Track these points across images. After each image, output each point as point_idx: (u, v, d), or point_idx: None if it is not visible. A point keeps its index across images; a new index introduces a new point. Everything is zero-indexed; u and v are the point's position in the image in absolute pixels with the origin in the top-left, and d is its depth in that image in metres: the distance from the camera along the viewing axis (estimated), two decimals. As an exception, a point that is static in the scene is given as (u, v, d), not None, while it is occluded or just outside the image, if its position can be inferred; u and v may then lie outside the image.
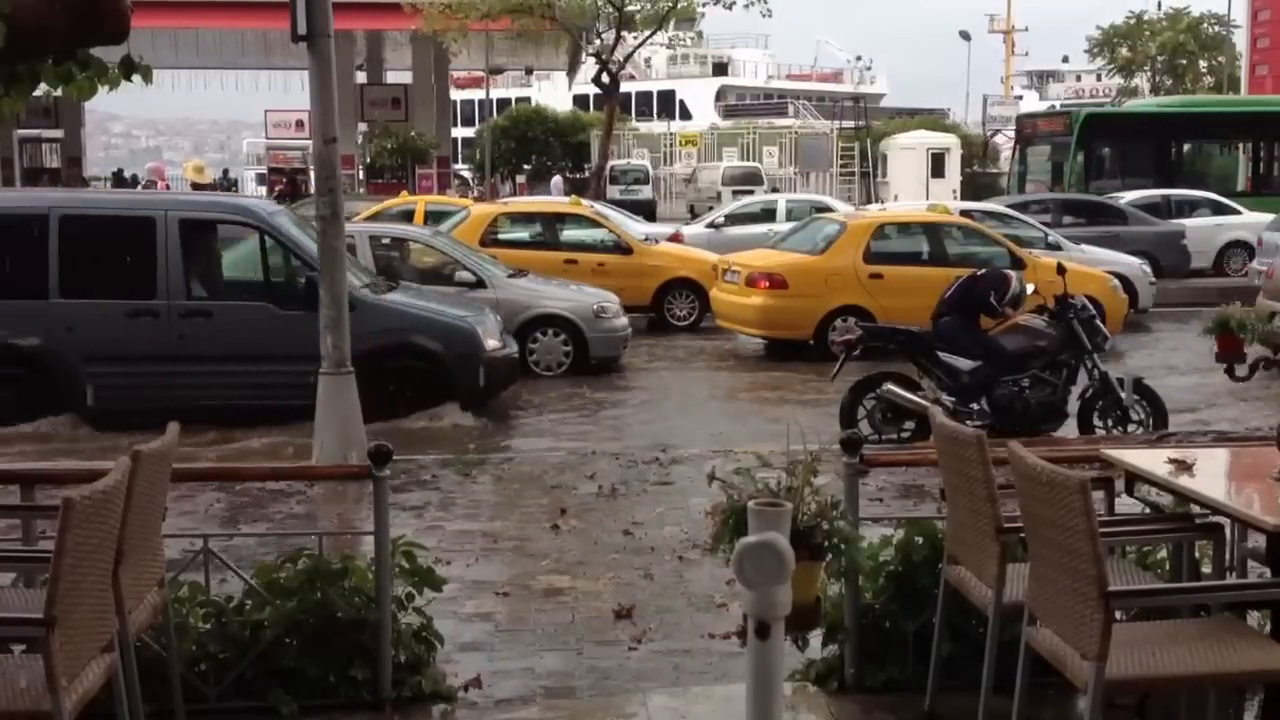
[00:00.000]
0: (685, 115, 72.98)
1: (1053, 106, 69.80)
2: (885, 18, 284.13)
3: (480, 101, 57.53)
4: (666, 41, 40.35)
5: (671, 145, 55.80)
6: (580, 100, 63.25)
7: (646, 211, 35.07)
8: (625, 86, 52.52)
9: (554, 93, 68.02)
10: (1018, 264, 15.33)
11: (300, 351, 9.76)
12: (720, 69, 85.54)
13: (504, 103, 65.48)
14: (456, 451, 9.95)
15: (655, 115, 69.90)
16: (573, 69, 39.19)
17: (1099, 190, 27.51)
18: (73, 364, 10.84)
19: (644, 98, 74.77)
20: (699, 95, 78.47)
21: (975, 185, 42.64)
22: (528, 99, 66.85)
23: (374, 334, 10.75)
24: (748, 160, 48.85)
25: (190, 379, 10.94)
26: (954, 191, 39.34)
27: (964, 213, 18.97)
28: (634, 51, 37.08)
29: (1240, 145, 32.06)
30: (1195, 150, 32.51)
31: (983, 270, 10.91)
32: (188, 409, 8.32)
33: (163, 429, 4.52)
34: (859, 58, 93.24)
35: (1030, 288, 11.13)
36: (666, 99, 75.97)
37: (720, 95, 79.98)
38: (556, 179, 42.94)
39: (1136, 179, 28.66)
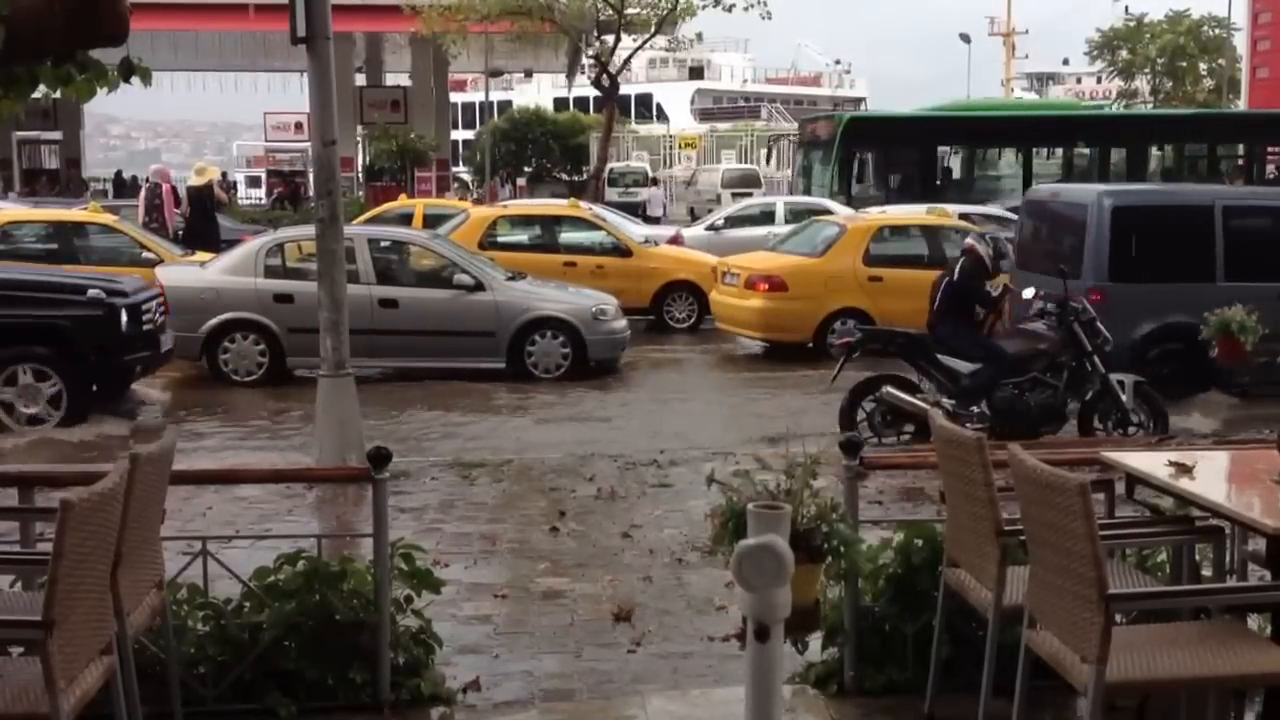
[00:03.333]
0: (662, 117, 73.18)
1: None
2: (884, 20, 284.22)
3: (468, 104, 57.56)
4: (667, 43, 40.34)
5: (671, 147, 55.82)
6: (561, 103, 63.42)
7: (645, 214, 35.07)
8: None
9: (535, 95, 68.20)
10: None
11: None
12: (696, 73, 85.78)
13: (486, 105, 65.57)
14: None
15: (633, 118, 70.11)
16: (572, 71, 39.21)
17: (861, 197, 27.13)
18: None
19: (622, 100, 74.98)
20: (675, 98, 78.52)
21: None
22: (509, 102, 66.95)
23: None
24: (747, 163, 48.87)
25: None
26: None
27: (963, 216, 18.96)
28: (634, 53, 37.07)
29: (1011, 151, 31.52)
30: (965, 155, 32.03)
31: (953, 269, 10.68)
32: None
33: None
34: (838, 61, 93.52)
35: (1029, 290, 11.12)
36: (644, 101, 76.08)
37: (696, 98, 79.99)
38: (655, 191, 40.85)
39: (901, 185, 28.19)
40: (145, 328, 11.87)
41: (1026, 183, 30.13)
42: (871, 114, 36.60)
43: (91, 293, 11.58)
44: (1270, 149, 32.20)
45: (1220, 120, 35.00)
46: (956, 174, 31.46)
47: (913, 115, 33.41)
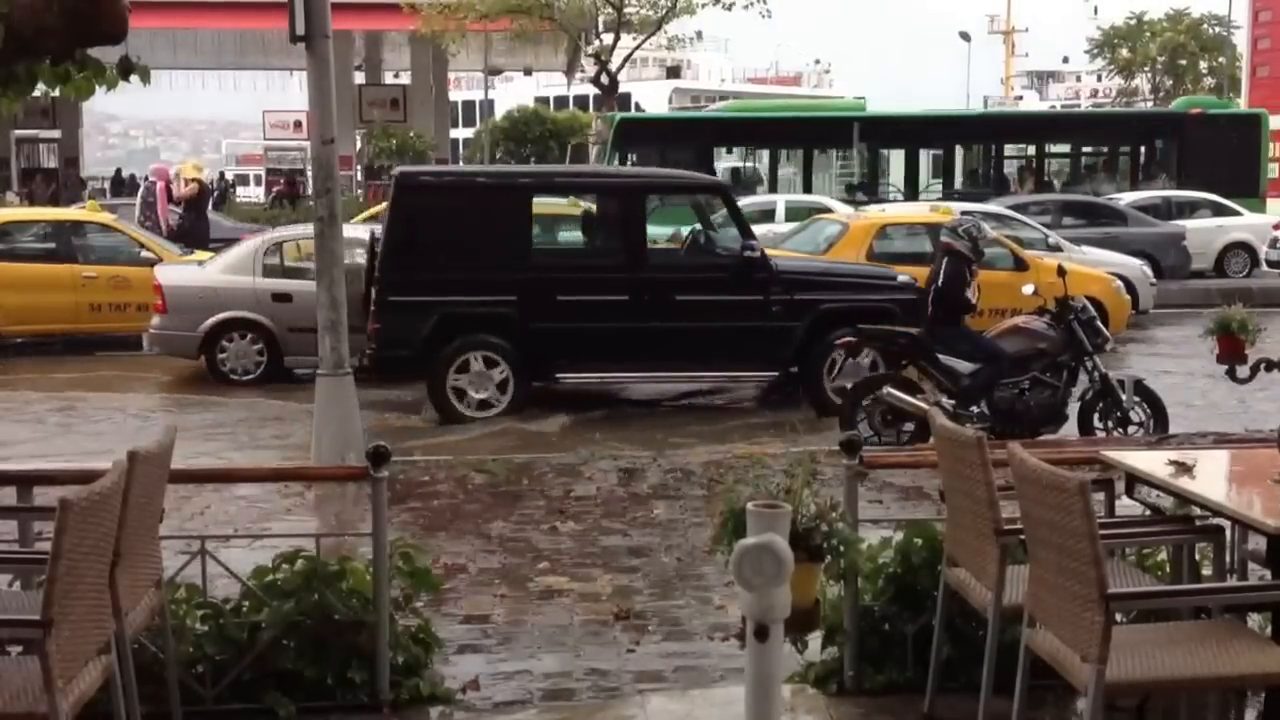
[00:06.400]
0: None
1: (1053, 107, 69.85)
2: (884, 20, 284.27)
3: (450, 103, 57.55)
4: (666, 42, 40.35)
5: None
6: (543, 102, 63.54)
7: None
8: (583, 89, 52.63)
9: (519, 95, 68.35)
10: (1019, 265, 15.34)
11: None
12: (673, 72, 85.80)
13: (468, 105, 65.40)
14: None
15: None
16: (571, 70, 39.24)
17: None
18: None
19: (599, 100, 75.05)
20: (652, 97, 78.60)
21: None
22: (492, 101, 67.17)
23: None
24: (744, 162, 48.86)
25: None
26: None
27: (964, 214, 18.89)
28: (633, 51, 37.07)
29: (790, 152, 31.09)
30: (744, 157, 31.55)
31: (936, 274, 10.53)
32: None
33: None
34: (817, 61, 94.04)
35: (1029, 288, 11.11)
36: (622, 101, 76.20)
37: (674, 97, 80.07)
38: None
39: None
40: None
41: (807, 184, 29.74)
42: (644, 115, 36.20)
43: (902, 278, 12.55)
44: (1085, 150, 31.96)
45: (1007, 121, 34.26)
46: (736, 173, 30.97)
47: (685, 116, 33.15)
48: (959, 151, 31.29)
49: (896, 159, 30.85)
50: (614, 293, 11.86)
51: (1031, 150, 31.56)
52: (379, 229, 12.46)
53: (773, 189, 29.58)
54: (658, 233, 16.32)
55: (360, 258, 12.22)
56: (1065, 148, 32.17)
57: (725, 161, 31.20)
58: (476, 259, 11.67)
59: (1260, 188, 28.93)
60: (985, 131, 31.31)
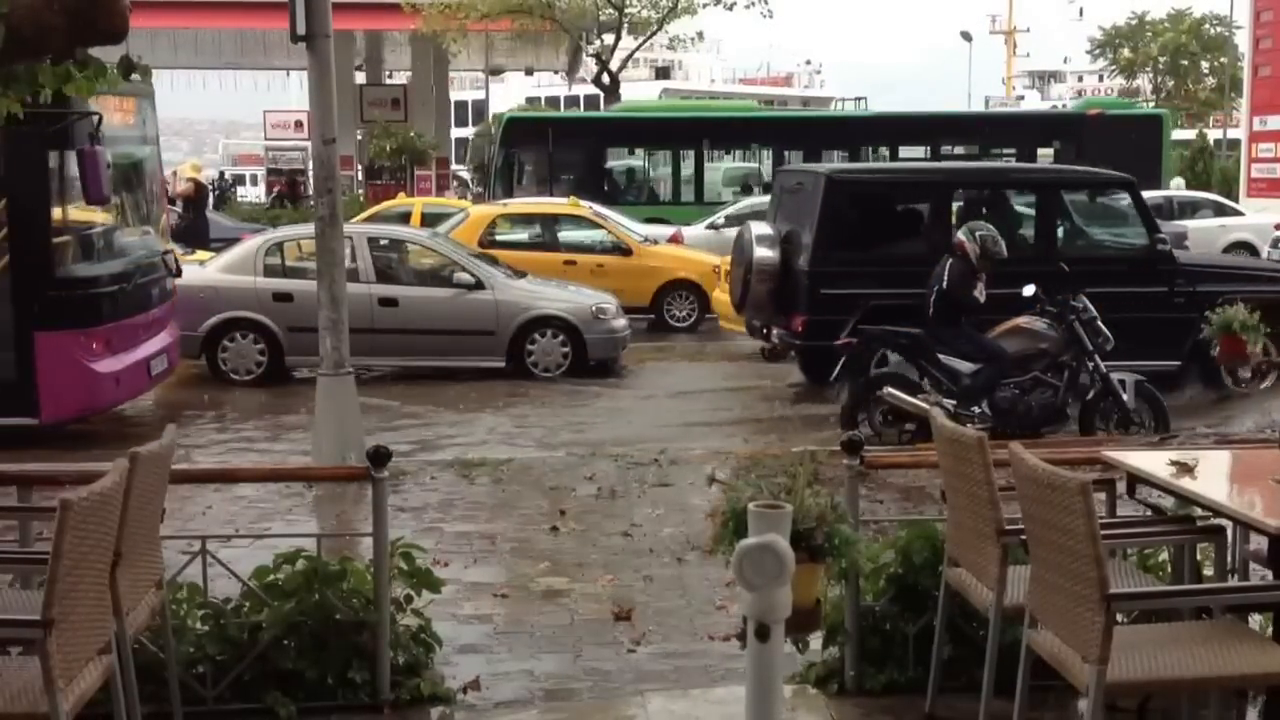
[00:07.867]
0: None
1: (1054, 107, 69.85)
2: (887, 19, 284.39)
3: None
4: (668, 42, 40.39)
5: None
6: (533, 102, 63.51)
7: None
8: (575, 90, 52.44)
9: (511, 96, 68.42)
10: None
11: None
12: (663, 73, 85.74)
13: (461, 105, 65.20)
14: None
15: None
16: (572, 70, 39.26)
17: (528, 194, 26.37)
18: None
19: (592, 100, 75.28)
20: (643, 97, 78.66)
21: None
22: (484, 101, 67.36)
23: None
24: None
25: None
26: None
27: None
28: (634, 51, 37.12)
29: (684, 153, 30.27)
30: (639, 158, 31.29)
31: (941, 273, 10.54)
32: None
33: None
34: (808, 61, 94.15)
35: (1029, 289, 11.09)
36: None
37: (663, 97, 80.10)
38: None
39: (565, 185, 27.22)
40: None
41: (699, 185, 29.41)
42: (532, 114, 35.70)
43: None
44: (989, 151, 31.26)
45: (907, 122, 33.23)
46: (630, 177, 30.69)
47: (575, 116, 32.91)
48: (864, 154, 30.77)
49: (795, 160, 30.60)
50: (1027, 284, 11.67)
51: (932, 151, 31.11)
52: (772, 228, 13.07)
53: (675, 191, 29.30)
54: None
55: (763, 251, 12.58)
56: (971, 149, 31.98)
57: (616, 162, 30.87)
58: (900, 252, 12.47)
59: (1162, 189, 28.83)
60: (885, 132, 30.88)
